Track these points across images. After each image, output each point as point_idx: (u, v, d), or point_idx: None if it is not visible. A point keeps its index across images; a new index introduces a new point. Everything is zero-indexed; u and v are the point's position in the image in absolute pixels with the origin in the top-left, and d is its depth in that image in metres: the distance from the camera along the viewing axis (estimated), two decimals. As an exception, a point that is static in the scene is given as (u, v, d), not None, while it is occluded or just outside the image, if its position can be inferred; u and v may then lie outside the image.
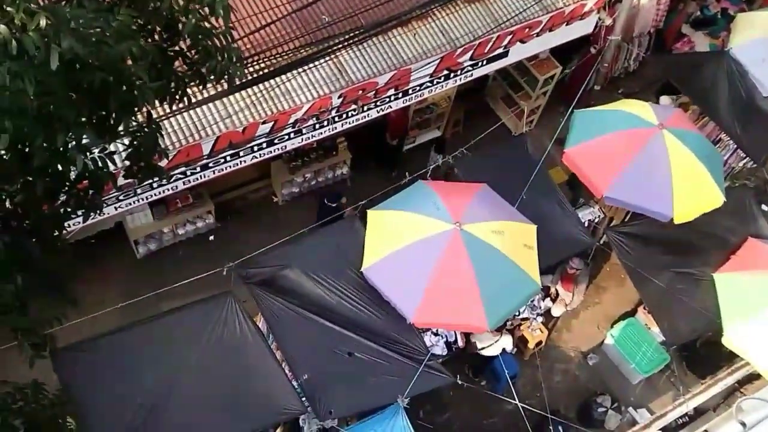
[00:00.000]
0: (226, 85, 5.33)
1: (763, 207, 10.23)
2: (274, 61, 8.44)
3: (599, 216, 10.92)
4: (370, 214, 8.54)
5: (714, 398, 9.58)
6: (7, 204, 4.50)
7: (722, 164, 10.24)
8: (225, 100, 8.34)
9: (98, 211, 5.01)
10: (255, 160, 9.31)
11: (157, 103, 4.67)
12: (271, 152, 9.33)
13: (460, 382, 8.17)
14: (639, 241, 9.36)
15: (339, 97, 8.96)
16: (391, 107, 9.90)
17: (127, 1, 4.36)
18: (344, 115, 9.46)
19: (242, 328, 7.73)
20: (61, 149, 4.12)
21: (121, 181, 6.68)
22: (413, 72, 9.34)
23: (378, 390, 7.91)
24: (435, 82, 9.91)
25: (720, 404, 10.00)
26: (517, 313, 10.17)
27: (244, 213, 11.64)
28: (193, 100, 5.76)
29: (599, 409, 10.40)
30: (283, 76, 8.46)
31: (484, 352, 9.89)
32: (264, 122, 8.61)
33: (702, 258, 9.51)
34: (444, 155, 9.93)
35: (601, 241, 10.40)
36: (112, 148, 4.71)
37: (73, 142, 4.20)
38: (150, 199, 9.11)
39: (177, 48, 4.82)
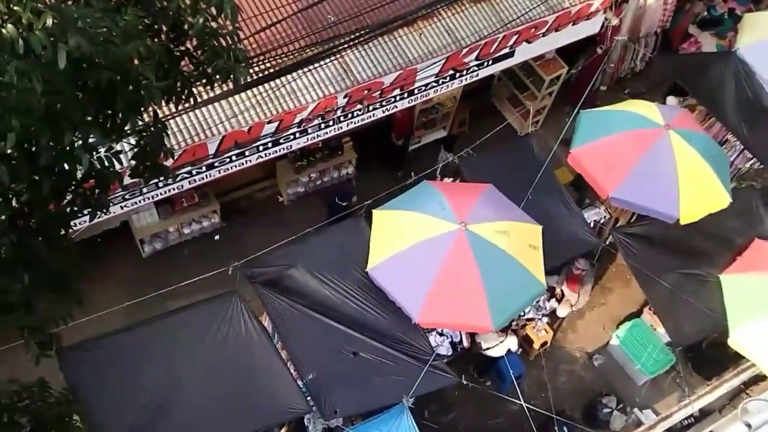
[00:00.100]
0: (231, 85, 5.33)
1: (770, 208, 10.19)
2: (279, 60, 8.45)
3: (605, 217, 10.88)
4: (376, 214, 8.54)
5: (720, 399, 9.56)
6: (14, 203, 4.51)
7: (729, 165, 10.21)
8: (230, 99, 8.36)
9: (104, 211, 5.02)
10: (260, 160, 9.32)
11: (163, 102, 4.68)
12: (276, 152, 9.34)
13: (465, 383, 8.17)
14: (645, 242, 9.34)
15: (344, 96, 8.96)
16: (396, 107, 9.90)
17: (134, 1, 4.37)
18: (350, 115, 9.47)
19: (247, 328, 7.75)
20: (68, 148, 4.14)
21: (126, 180, 6.69)
22: (419, 72, 9.34)
23: (383, 390, 7.91)
24: (440, 82, 9.90)
25: (726, 405, 9.97)
26: (522, 314, 10.15)
27: (249, 213, 11.65)
28: (199, 99, 5.77)
29: (604, 409, 10.37)
30: (289, 76, 8.47)
31: (489, 353, 9.88)
32: (269, 122, 8.62)
33: (708, 259, 9.48)
34: (453, 153, 9.94)
35: (607, 242, 10.38)
36: (118, 147, 4.72)
37: (80, 142, 4.21)
38: (156, 199, 9.14)
39: (183, 48, 4.83)
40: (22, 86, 3.67)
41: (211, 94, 7.42)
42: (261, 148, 9.05)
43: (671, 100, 12.20)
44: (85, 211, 4.90)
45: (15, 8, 3.69)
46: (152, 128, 4.91)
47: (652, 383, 10.73)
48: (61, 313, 5.33)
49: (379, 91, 9.26)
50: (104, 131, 4.40)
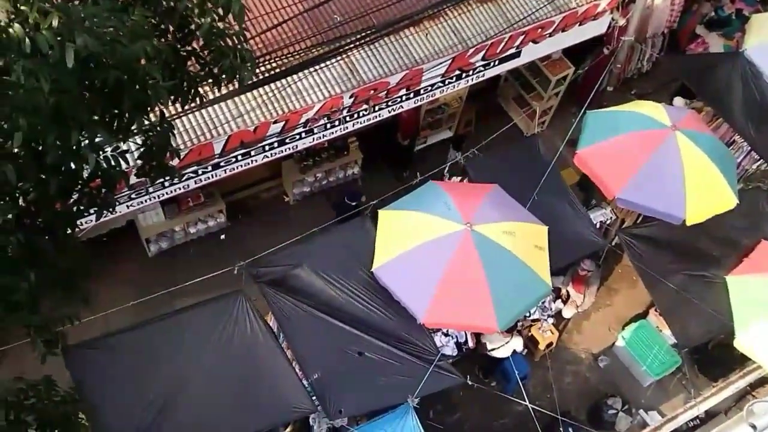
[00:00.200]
0: (237, 85, 5.34)
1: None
2: (285, 60, 8.46)
3: (611, 217, 10.87)
4: (381, 214, 8.54)
5: (725, 401, 9.53)
6: (21, 202, 4.53)
7: (735, 166, 10.17)
8: (236, 99, 8.37)
9: (110, 210, 5.04)
10: (266, 160, 9.33)
11: (169, 102, 4.69)
12: (282, 152, 9.35)
13: (470, 383, 8.16)
14: (651, 243, 9.31)
15: (350, 96, 8.96)
16: (402, 107, 9.90)
17: (141, 1, 4.38)
18: (355, 115, 9.47)
19: (253, 327, 7.75)
20: (75, 147, 4.15)
21: (132, 179, 6.72)
22: (425, 72, 9.33)
23: (388, 390, 7.90)
24: (447, 83, 9.90)
25: (731, 407, 9.94)
26: (527, 315, 10.14)
27: (255, 212, 11.67)
28: (205, 99, 5.78)
29: (610, 410, 10.35)
30: (295, 76, 8.47)
31: (495, 354, 9.87)
32: (275, 122, 8.63)
33: (714, 260, 9.45)
34: (462, 152, 9.93)
35: (613, 243, 10.35)
36: (124, 147, 4.74)
37: (87, 141, 4.22)
38: (162, 198, 9.15)
39: (190, 48, 4.84)
40: (29, 85, 3.68)
41: (217, 94, 7.44)
42: (267, 147, 9.06)
43: (678, 101, 12.16)
44: (92, 210, 4.93)
45: (22, 8, 3.70)
46: (159, 128, 4.93)
47: (658, 385, 10.70)
48: (68, 311, 5.35)
49: (385, 92, 9.26)
50: (111, 131, 4.42)
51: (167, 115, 5.22)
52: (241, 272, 7.97)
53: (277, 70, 8.31)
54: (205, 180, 9.06)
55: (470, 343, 9.86)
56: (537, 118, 12.19)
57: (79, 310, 5.48)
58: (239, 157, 8.95)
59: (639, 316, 11.19)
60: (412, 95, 9.73)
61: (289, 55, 8.51)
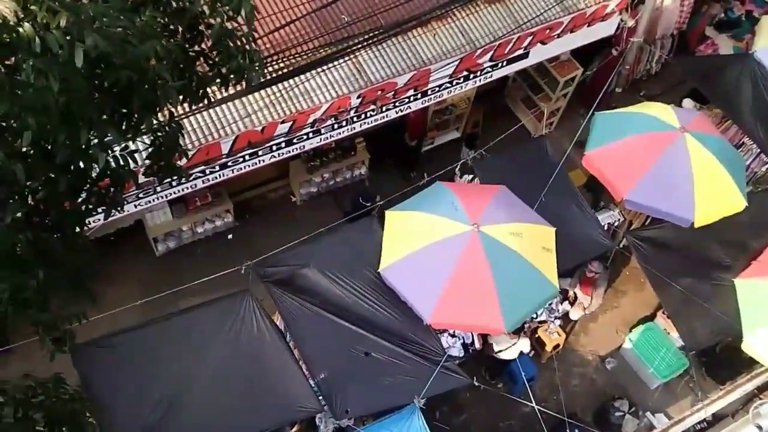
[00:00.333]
0: (245, 85, 5.35)
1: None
2: (293, 60, 8.47)
3: (619, 219, 10.83)
4: (388, 214, 8.54)
5: (733, 404, 9.50)
6: (30, 200, 4.55)
7: (744, 168, 10.11)
8: (244, 99, 8.39)
9: (119, 209, 5.05)
10: (273, 160, 9.34)
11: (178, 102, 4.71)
12: (289, 152, 9.36)
13: (476, 384, 8.15)
14: (659, 245, 9.28)
15: (358, 97, 8.97)
16: (410, 108, 9.90)
17: (151, 2, 4.39)
18: (363, 116, 9.47)
19: (260, 327, 7.76)
20: (84, 147, 4.16)
21: (141, 179, 6.73)
22: (433, 73, 9.33)
23: (394, 390, 7.90)
24: (454, 83, 9.89)
25: (739, 410, 9.91)
26: (534, 316, 10.12)
27: (262, 212, 11.69)
28: (213, 99, 5.80)
29: (616, 413, 10.33)
30: (302, 76, 8.48)
31: (502, 356, 9.86)
32: (283, 122, 8.64)
33: (723, 263, 9.40)
34: (475, 150, 9.93)
35: (621, 245, 10.32)
36: (133, 146, 4.75)
37: (96, 140, 4.24)
38: (169, 198, 9.19)
39: (198, 48, 4.85)
40: (39, 85, 3.69)
41: (225, 94, 7.46)
42: (274, 147, 9.07)
43: (687, 102, 12.11)
44: (100, 209, 4.94)
45: (31, 7, 3.72)
46: (167, 128, 4.94)
47: (665, 387, 10.67)
48: (76, 310, 5.37)
49: (393, 92, 9.25)
50: (120, 130, 4.43)
51: (175, 114, 5.23)
52: (248, 272, 7.98)
53: (285, 70, 8.33)
54: (212, 180, 9.08)
55: (477, 344, 9.85)
56: (545, 119, 12.16)
57: (87, 309, 5.50)
58: (247, 157, 8.97)
59: (646, 319, 11.15)
60: (419, 96, 9.73)
61: (297, 56, 8.52)
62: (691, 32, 13.35)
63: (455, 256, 8.09)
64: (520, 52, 10.07)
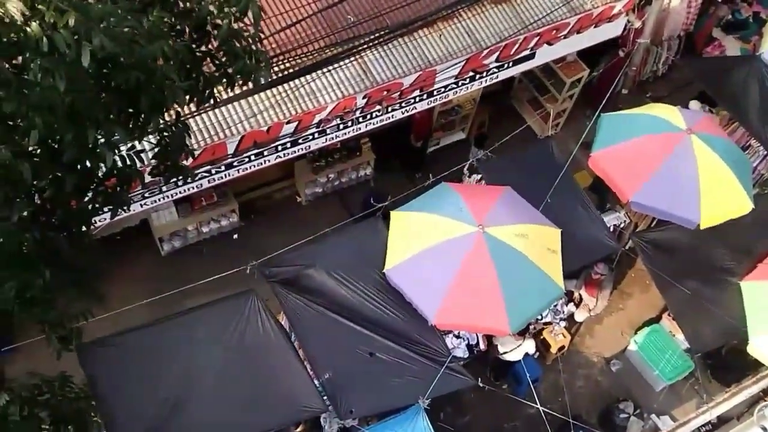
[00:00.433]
0: (251, 85, 5.36)
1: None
2: (299, 60, 8.48)
3: (625, 221, 10.81)
4: (394, 215, 8.54)
5: (738, 407, 9.44)
6: (37, 199, 4.57)
7: (751, 171, 10.09)
8: (250, 99, 8.40)
9: (125, 208, 5.07)
10: (279, 160, 9.35)
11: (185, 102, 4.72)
12: (295, 152, 9.37)
13: (481, 385, 8.14)
14: (665, 247, 9.26)
15: (363, 97, 8.97)
16: (415, 108, 9.90)
17: (159, 3, 4.40)
18: (368, 116, 9.48)
19: (265, 326, 7.77)
20: (91, 146, 4.18)
21: (147, 178, 6.74)
22: (438, 73, 9.33)
23: (399, 391, 7.90)
24: (460, 84, 9.89)
25: (744, 413, 9.85)
26: (539, 318, 10.10)
27: (267, 212, 11.70)
28: (219, 99, 5.81)
29: (621, 415, 10.30)
30: (308, 76, 8.50)
31: (507, 357, 9.85)
32: (288, 122, 8.65)
33: (729, 265, 9.37)
34: (484, 150, 9.92)
35: (627, 247, 10.30)
36: (139, 146, 4.76)
37: (103, 140, 4.25)
38: (175, 197, 9.21)
39: (205, 48, 4.86)
40: (46, 84, 3.70)
41: (231, 94, 7.47)
42: (279, 148, 9.08)
43: (694, 104, 12.08)
44: (106, 209, 4.95)
45: (39, 6, 3.73)
46: (174, 128, 4.95)
47: (670, 389, 10.64)
48: (82, 308, 5.39)
49: (399, 92, 9.26)
50: (127, 130, 4.44)
51: (182, 114, 5.25)
52: (253, 272, 7.99)
53: (291, 71, 8.34)
54: (218, 179, 9.10)
55: (482, 346, 9.84)
56: (551, 120, 12.15)
57: (92, 307, 5.52)
58: (252, 157, 8.98)
59: (652, 321, 11.12)
60: (425, 96, 9.73)
61: (303, 56, 8.53)
62: (698, 34, 13.32)
63: (460, 257, 8.08)
64: (527, 52, 10.06)
